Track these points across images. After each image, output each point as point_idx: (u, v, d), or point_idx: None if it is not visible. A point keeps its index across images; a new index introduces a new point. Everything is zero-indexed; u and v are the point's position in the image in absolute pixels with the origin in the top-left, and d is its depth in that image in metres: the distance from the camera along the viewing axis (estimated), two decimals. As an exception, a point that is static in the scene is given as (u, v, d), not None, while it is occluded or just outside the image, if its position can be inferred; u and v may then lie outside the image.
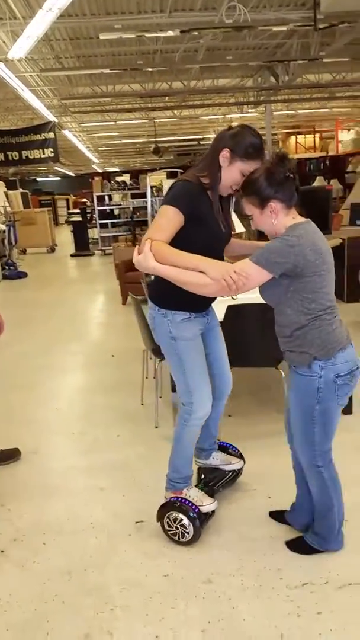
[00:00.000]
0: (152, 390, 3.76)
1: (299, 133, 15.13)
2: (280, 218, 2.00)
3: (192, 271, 1.99)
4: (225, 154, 2.10)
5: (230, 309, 3.13)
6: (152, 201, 10.37)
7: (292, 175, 1.98)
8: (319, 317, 2.00)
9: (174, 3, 6.54)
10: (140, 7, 6.72)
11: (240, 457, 2.82)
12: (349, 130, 14.21)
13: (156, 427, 3.54)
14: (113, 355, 5.15)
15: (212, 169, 2.15)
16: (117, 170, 20.79)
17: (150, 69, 9.28)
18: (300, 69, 9.82)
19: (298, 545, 2.31)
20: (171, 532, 2.39)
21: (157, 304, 2.32)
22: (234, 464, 2.76)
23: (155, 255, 2.01)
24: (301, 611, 2.00)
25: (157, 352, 3.57)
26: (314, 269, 1.93)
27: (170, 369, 2.39)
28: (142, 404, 3.91)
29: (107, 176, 16.75)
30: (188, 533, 2.35)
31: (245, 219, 2.35)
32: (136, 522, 2.58)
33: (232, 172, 2.12)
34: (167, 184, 9.02)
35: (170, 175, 12.98)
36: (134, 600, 2.11)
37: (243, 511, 2.63)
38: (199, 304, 2.30)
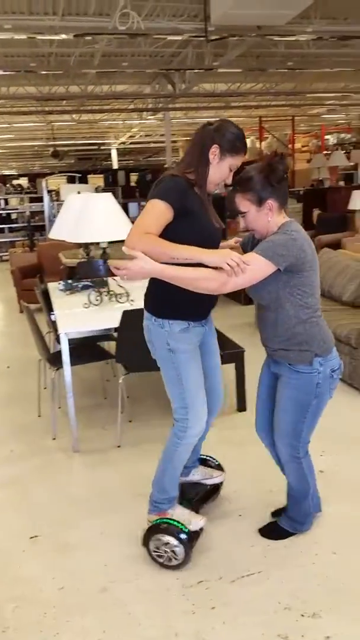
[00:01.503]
0: (49, 401, 3.67)
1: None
2: (275, 216, 2.01)
3: (195, 267, 1.87)
4: (214, 150, 2.04)
5: (126, 314, 3.14)
6: (50, 205, 10.14)
7: (286, 176, 2.02)
8: (316, 312, 2.06)
9: (67, 6, 6.46)
10: (32, 8, 6.57)
11: (220, 468, 2.70)
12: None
13: (53, 439, 3.46)
14: (8, 367, 4.96)
15: (200, 166, 2.06)
16: (15, 173, 20.09)
17: (45, 72, 9.09)
18: (196, 77, 10.06)
19: (272, 531, 2.37)
20: (158, 555, 2.24)
21: (153, 313, 2.16)
22: (216, 477, 2.62)
23: (152, 250, 1.86)
24: (196, 608, 2.04)
25: (52, 361, 3.50)
26: (311, 263, 1.99)
27: (165, 383, 2.23)
28: (39, 416, 3.80)
29: (3, 179, 16.13)
30: (177, 556, 2.21)
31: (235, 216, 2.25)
32: (30, 537, 2.51)
33: (221, 168, 2.07)
34: (66, 188, 8.85)
35: (71, 180, 12.78)
36: (28, 618, 2.04)
37: (139, 515, 2.63)
38: (197, 311, 2.18)
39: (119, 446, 3.29)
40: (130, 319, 3.15)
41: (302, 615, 1.98)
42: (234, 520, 2.54)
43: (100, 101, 12.13)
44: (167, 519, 2.25)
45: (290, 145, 13.57)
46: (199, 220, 2.07)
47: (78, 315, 3.51)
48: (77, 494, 2.87)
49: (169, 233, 1.94)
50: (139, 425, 3.57)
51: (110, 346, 3.67)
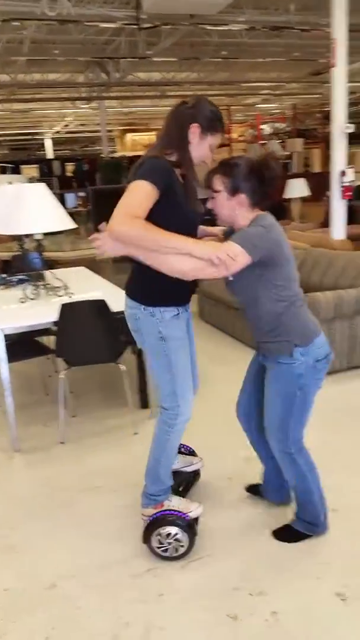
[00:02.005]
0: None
1: (134, 130, 15.36)
2: (243, 211, 1.99)
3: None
4: (194, 129, 1.98)
5: (65, 307, 3.08)
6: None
7: (270, 180, 1.96)
8: (293, 304, 2.04)
9: (-9, -10, 6.21)
10: None
11: (194, 453, 2.69)
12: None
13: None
14: None
15: (180, 146, 1.98)
16: None
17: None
18: (130, 66, 9.96)
19: (286, 534, 2.30)
20: (163, 549, 2.20)
21: (141, 301, 2.08)
22: (195, 464, 2.62)
23: (143, 238, 1.80)
24: (145, 597, 2.04)
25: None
26: (286, 256, 1.97)
27: (153, 371, 2.19)
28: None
29: None
30: (183, 545, 2.19)
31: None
32: (-27, 539, 2.43)
33: (202, 148, 2.02)
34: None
35: (2, 170, 12.38)
36: (-27, 622, 1.99)
37: (87, 509, 2.61)
38: (185, 296, 2.13)
39: (62, 442, 3.24)
40: (70, 312, 3.10)
41: (250, 595, 2.02)
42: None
43: (33, 89, 11.79)
44: (165, 509, 2.21)
45: (227, 135, 13.67)
46: (181, 204, 1.99)
47: (14, 310, 3.41)
48: (20, 493, 2.80)
49: (150, 216, 1.85)
50: (83, 420, 3.52)
51: (50, 341, 3.60)
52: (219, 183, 1.97)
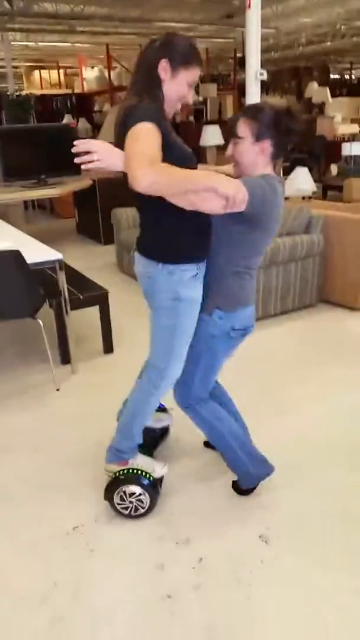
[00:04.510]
0: None
1: (43, 68, 14.39)
2: (264, 161, 1.85)
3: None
4: (164, 65, 1.78)
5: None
6: None
7: (291, 131, 1.84)
8: (242, 275, 1.95)
9: None
10: None
11: (165, 410, 2.56)
12: (92, 67, 14.02)
13: None
14: None
15: (152, 88, 1.79)
16: None
17: None
18: (35, -5, 9.17)
19: (236, 490, 2.31)
20: (123, 507, 2.16)
21: (158, 259, 1.89)
22: (165, 419, 2.53)
23: (172, 184, 1.60)
24: (74, 555, 2.03)
25: None
26: (267, 225, 1.86)
27: (153, 330, 2.04)
28: None
29: None
30: (143, 505, 2.15)
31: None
32: None
33: (177, 84, 1.82)
34: None
35: None
36: None
37: (8, 469, 2.52)
38: (204, 250, 1.94)
39: None
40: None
41: (176, 543, 2.07)
42: (99, 463, 2.54)
43: None
44: (129, 468, 2.16)
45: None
46: (177, 145, 1.82)
47: None
48: None
49: None
50: (1, 379, 3.38)
51: None
52: (244, 127, 1.84)
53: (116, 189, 6.51)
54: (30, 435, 2.79)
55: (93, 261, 5.82)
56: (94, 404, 3.04)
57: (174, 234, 1.85)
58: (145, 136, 1.65)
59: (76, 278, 3.82)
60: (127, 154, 1.64)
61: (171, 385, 2.12)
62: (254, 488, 2.30)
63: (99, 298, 3.57)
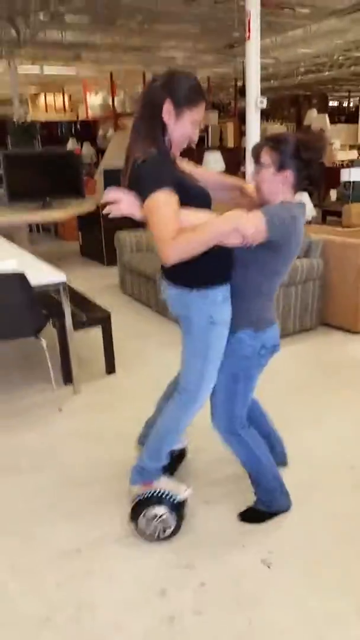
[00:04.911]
0: None
1: (48, 91, 14.69)
2: (286, 190, 1.90)
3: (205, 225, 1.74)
4: (167, 107, 1.76)
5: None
6: None
7: (311, 162, 1.87)
8: (264, 297, 2.01)
9: None
10: None
11: None
12: (96, 93, 14.30)
13: None
14: None
15: (157, 134, 1.78)
16: None
17: None
18: (41, 25, 9.41)
19: (251, 515, 2.26)
20: (148, 529, 2.14)
21: (190, 284, 1.90)
22: (183, 440, 2.54)
23: (193, 249, 1.74)
24: (74, 576, 2.02)
25: None
26: (287, 251, 1.90)
27: (186, 354, 2.05)
28: None
29: None
30: (170, 527, 2.14)
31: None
32: None
33: (182, 127, 1.81)
34: None
35: None
36: None
37: (9, 490, 2.52)
38: (230, 269, 1.95)
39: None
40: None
41: (179, 568, 2.05)
42: (102, 483, 2.54)
43: None
44: (155, 490, 2.14)
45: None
46: (192, 188, 1.85)
47: None
48: None
49: None
50: (1, 399, 3.38)
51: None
52: (267, 156, 1.88)
53: (119, 212, 6.66)
54: (32, 455, 2.78)
55: (96, 282, 5.86)
56: (96, 425, 3.04)
57: (202, 259, 1.83)
58: (164, 208, 1.71)
59: (79, 299, 3.86)
60: (152, 228, 1.74)
61: (201, 407, 2.12)
62: (272, 516, 2.28)
63: (102, 319, 3.60)
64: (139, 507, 2.13)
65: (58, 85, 16.30)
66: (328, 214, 7.89)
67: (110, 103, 11.88)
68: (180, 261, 1.75)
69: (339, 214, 6.89)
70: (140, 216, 1.81)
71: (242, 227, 1.72)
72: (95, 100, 14.28)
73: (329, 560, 2.07)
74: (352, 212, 6.83)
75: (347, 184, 7.26)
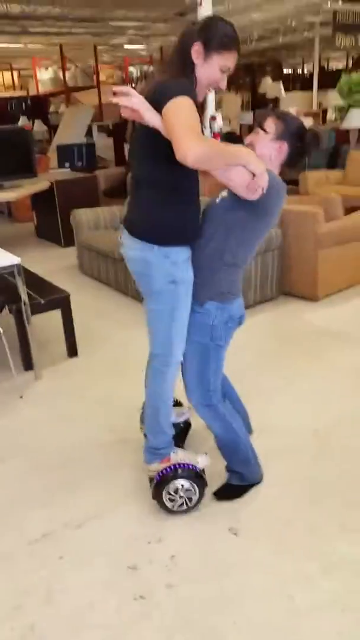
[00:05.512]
0: None
1: (-6, 69, 14.16)
2: (276, 161, 1.94)
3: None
4: (197, 48, 1.75)
5: None
6: None
7: (308, 149, 1.97)
8: (232, 269, 1.99)
9: None
10: None
11: (179, 404, 2.53)
12: (47, 68, 13.86)
13: None
14: None
15: (185, 71, 1.77)
16: None
17: None
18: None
19: (226, 492, 2.26)
20: (174, 503, 2.15)
21: (153, 241, 1.86)
22: (185, 413, 2.51)
23: (219, 158, 1.66)
24: (44, 562, 2.01)
25: None
26: (270, 216, 1.91)
27: (150, 317, 2.01)
28: None
29: None
30: (194, 496, 2.16)
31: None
32: None
33: (209, 69, 1.79)
34: None
35: None
36: None
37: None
38: (197, 232, 1.94)
39: None
40: None
41: (149, 543, 2.07)
42: (68, 468, 2.53)
43: None
44: (173, 464, 2.13)
45: (94, 77, 13.06)
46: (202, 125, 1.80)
47: None
48: None
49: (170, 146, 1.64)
50: None
51: None
52: (270, 124, 1.92)
53: (74, 189, 6.51)
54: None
55: (53, 264, 5.75)
56: (59, 410, 3.01)
57: (170, 216, 1.85)
58: (189, 109, 1.64)
59: (36, 282, 3.77)
60: (174, 126, 1.62)
61: (177, 364, 2.10)
62: (246, 489, 2.29)
63: (61, 301, 3.54)
64: (161, 484, 2.13)
65: (6, 61, 15.71)
66: (285, 183, 7.88)
67: (62, 77, 11.53)
68: (197, 165, 1.62)
69: (295, 182, 6.89)
70: (150, 119, 1.70)
71: (257, 165, 1.72)
72: (45, 75, 13.84)
73: (294, 523, 2.11)
74: (308, 180, 6.85)
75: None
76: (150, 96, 1.71)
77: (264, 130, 1.93)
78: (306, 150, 1.98)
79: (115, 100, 1.72)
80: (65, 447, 2.67)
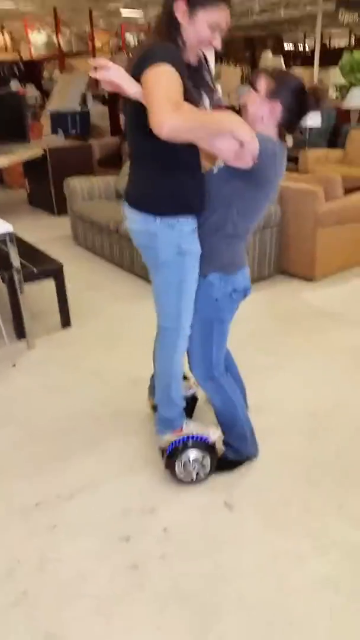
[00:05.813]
0: None
1: (-13, 30, 13.70)
2: (269, 122, 1.81)
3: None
4: (180, 6, 1.64)
5: None
6: None
7: (306, 111, 1.83)
8: (234, 239, 1.92)
9: None
10: None
11: (185, 377, 2.45)
12: (40, 31, 13.46)
13: None
14: None
15: (171, 33, 1.66)
16: None
17: None
18: None
19: (221, 465, 2.24)
20: (186, 473, 2.16)
21: (156, 212, 1.80)
22: (192, 386, 2.50)
23: (199, 128, 1.52)
24: (36, 531, 2.00)
25: None
26: (268, 190, 1.83)
27: (158, 291, 1.97)
28: None
29: None
30: (206, 467, 2.17)
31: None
32: None
33: (196, 28, 1.67)
34: None
35: None
36: None
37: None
38: (203, 203, 1.85)
39: None
40: None
41: (142, 514, 2.06)
42: (61, 438, 2.51)
43: None
44: (185, 435, 2.14)
45: (89, 42, 12.71)
46: (187, 93, 1.64)
47: None
48: None
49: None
50: None
51: None
52: (262, 82, 1.79)
53: (68, 157, 6.37)
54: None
55: (46, 233, 5.65)
56: (51, 379, 2.98)
57: (173, 186, 1.78)
58: (167, 78, 1.54)
59: (29, 251, 3.70)
60: (149, 96, 1.53)
61: (186, 337, 2.07)
62: (241, 463, 2.30)
63: (54, 271, 3.47)
64: (173, 454, 2.14)
65: (-2, 21, 15.23)
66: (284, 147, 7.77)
67: (56, 42, 11.21)
68: (172, 138, 1.50)
69: (295, 160, 6.81)
70: (132, 91, 1.62)
71: (242, 131, 1.56)
72: (39, 39, 13.45)
73: (288, 501, 2.12)
74: (308, 158, 6.78)
75: (304, 129, 7.16)
76: (136, 63, 1.62)
77: (255, 89, 1.82)
78: (303, 111, 1.84)
79: (93, 75, 1.62)
80: (59, 417, 2.64)
